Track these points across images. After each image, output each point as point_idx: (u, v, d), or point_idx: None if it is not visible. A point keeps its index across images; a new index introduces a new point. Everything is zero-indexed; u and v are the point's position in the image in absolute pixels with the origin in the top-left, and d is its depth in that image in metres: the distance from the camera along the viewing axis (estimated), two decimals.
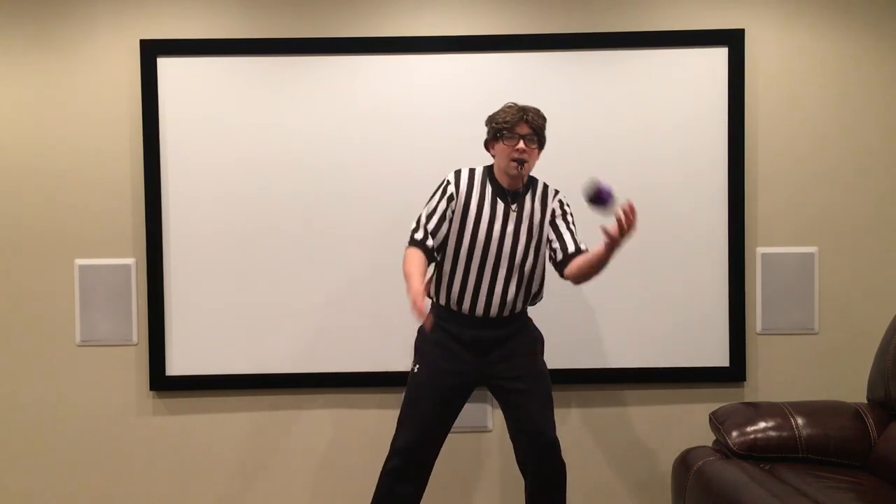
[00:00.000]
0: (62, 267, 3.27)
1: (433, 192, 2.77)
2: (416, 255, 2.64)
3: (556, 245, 2.71)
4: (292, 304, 3.27)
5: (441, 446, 2.77)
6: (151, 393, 3.30)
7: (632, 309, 3.28)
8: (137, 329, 3.28)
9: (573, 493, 3.33)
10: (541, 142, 2.71)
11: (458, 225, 2.69)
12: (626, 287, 3.27)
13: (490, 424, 3.32)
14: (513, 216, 2.69)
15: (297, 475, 3.32)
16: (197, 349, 3.26)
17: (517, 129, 2.64)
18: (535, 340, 2.83)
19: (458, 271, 2.70)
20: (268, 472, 3.32)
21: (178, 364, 3.27)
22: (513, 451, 3.29)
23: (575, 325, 3.27)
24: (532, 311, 3.27)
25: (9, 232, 3.28)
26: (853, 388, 3.12)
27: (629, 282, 3.27)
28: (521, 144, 2.63)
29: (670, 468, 2.90)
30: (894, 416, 2.76)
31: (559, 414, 3.32)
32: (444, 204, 2.70)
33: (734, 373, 3.28)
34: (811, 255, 3.30)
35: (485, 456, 3.33)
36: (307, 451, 3.32)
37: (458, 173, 2.75)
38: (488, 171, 2.76)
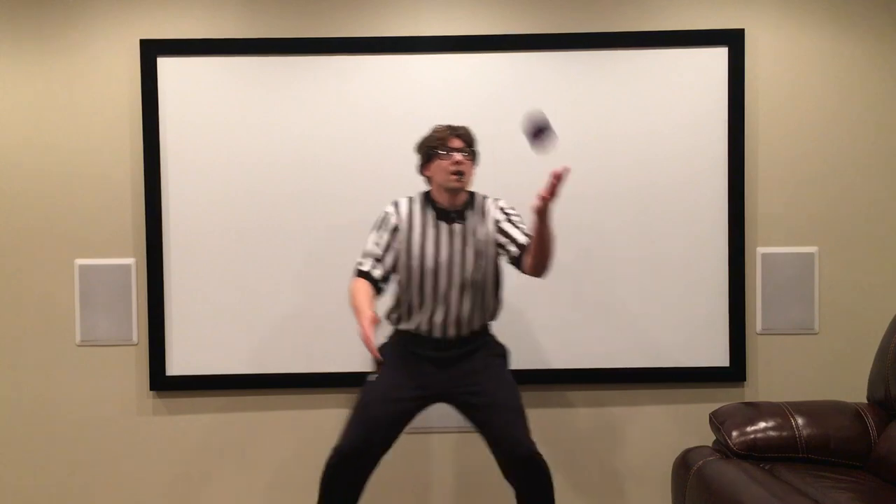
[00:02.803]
0: (62, 267, 3.28)
1: (374, 225, 2.76)
2: (363, 286, 2.64)
3: (509, 247, 2.71)
4: (292, 303, 3.27)
5: (383, 454, 2.71)
6: (151, 393, 3.30)
7: (632, 309, 3.28)
8: (137, 329, 3.28)
9: (573, 492, 3.33)
10: (474, 156, 2.74)
11: (405, 254, 2.70)
12: (626, 287, 3.28)
13: None
14: (458, 236, 2.70)
15: (297, 475, 3.32)
16: (197, 349, 3.26)
17: (450, 143, 2.68)
18: (497, 354, 2.82)
19: (413, 297, 2.71)
20: (268, 472, 3.32)
21: (178, 364, 3.27)
22: None
23: (575, 325, 3.27)
24: (532, 311, 3.28)
25: (9, 232, 3.28)
26: (853, 388, 3.12)
27: (629, 282, 3.27)
28: (458, 156, 2.66)
29: (670, 468, 2.90)
30: (894, 416, 2.76)
31: (559, 414, 3.33)
32: (387, 236, 2.72)
33: (734, 373, 3.29)
34: (811, 255, 3.30)
35: (485, 456, 3.32)
36: (307, 450, 3.31)
37: (396, 203, 2.76)
38: (425, 196, 2.77)
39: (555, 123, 3.23)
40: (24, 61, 3.26)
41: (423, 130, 3.22)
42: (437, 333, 2.70)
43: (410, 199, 2.78)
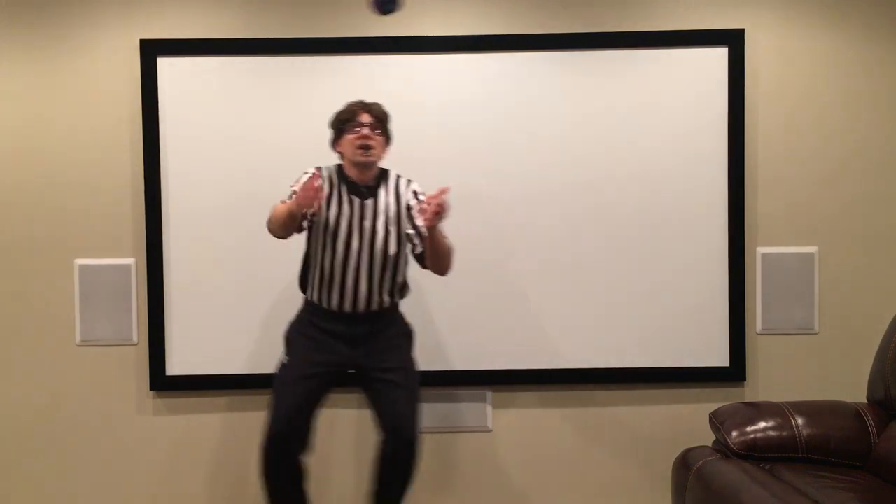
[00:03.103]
0: (62, 267, 3.27)
1: (300, 180, 2.72)
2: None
3: (415, 240, 2.75)
4: (292, 303, 3.26)
5: (311, 426, 2.76)
6: (151, 393, 3.30)
7: (632, 309, 3.27)
8: (137, 329, 3.28)
9: (573, 492, 3.33)
10: (385, 132, 2.77)
11: (320, 225, 2.73)
12: (627, 287, 3.27)
13: (490, 424, 3.32)
14: (369, 211, 2.73)
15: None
16: (197, 349, 3.26)
17: (359, 117, 2.72)
18: (405, 335, 2.88)
19: (324, 269, 2.74)
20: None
21: (178, 364, 3.27)
22: (510, 450, 3.30)
23: (575, 325, 3.27)
24: (532, 311, 3.28)
25: (9, 232, 3.28)
26: (853, 388, 3.11)
27: (629, 281, 3.27)
28: (366, 130, 2.70)
29: (670, 468, 2.90)
30: (894, 416, 2.76)
31: (560, 414, 3.34)
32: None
33: (734, 373, 3.28)
34: (811, 255, 3.30)
35: (485, 456, 3.33)
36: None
37: (318, 168, 2.77)
38: (338, 168, 2.80)
39: (555, 123, 3.25)
40: (24, 61, 3.26)
41: (423, 130, 3.24)
42: (346, 308, 2.74)
43: (329, 169, 2.80)
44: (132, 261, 3.27)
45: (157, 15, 3.26)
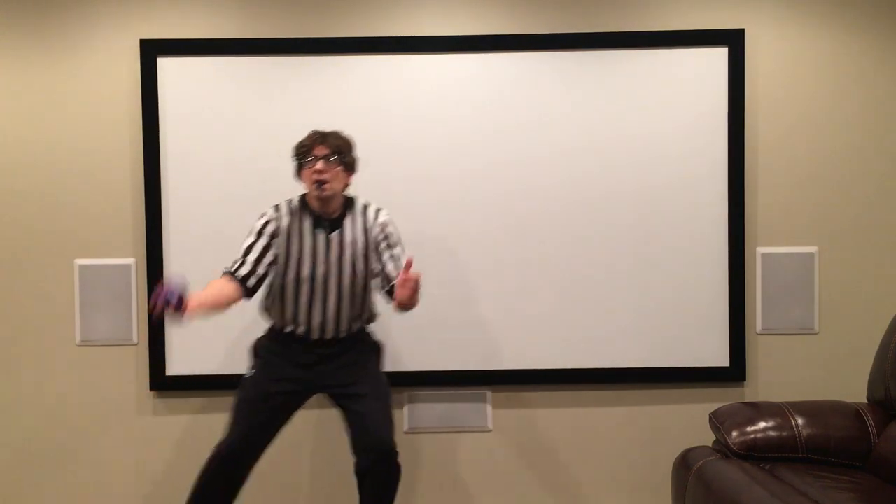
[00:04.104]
0: (62, 267, 3.27)
1: (255, 228, 2.73)
2: (220, 282, 2.63)
3: (381, 279, 2.71)
4: None
5: (264, 449, 2.74)
6: (151, 393, 3.30)
7: (632, 309, 3.28)
8: (137, 329, 3.28)
9: (573, 492, 3.33)
10: (346, 163, 2.70)
11: (283, 258, 2.70)
12: (627, 287, 3.27)
13: (490, 424, 3.32)
14: (334, 245, 2.69)
15: (296, 474, 3.32)
16: (197, 349, 3.26)
17: (314, 151, 2.66)
18: (371, 349, 2.84)
19: (287, 301, 2.71)
20: (267, 472, 3.32)
21: (178, 364, 3.27)
22: (510, 450, 3.30)
23: (575, 325, 3.27)
24: (533, 311, 3.28)
25: (9, 232, 3.28)
26: (853, 388, 3.11)
27: (629, 282, 3.27)
28: (320, 164, 2.63)
29: (670, 468, 2.90)
30: (894, 416, 2.76)
31: (560, 414, 3.33)
32: (265, 241, 2.70)
33: (734, 373, 3.28)
34: (811, 255, 3.30)
35: (485, 456, 3.33)
36: (306, 450, 3.31)
37: (277, 207, 2.75)
38: (302, 200, 2.76)
39: (554, 123, 3.25)
40: (24, 61, 3.26)
41: (423, 130, 3.24)
42: (313, 336, 2.72)
43: (289, 203, 2.76)
44: (132, 261, 3.27)
45: (157, 15, 3.26)
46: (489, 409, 3.31)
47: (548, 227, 3.26)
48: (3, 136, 3.27)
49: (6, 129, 3.27)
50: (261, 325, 3.25)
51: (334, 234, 2.70)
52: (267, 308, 2.81)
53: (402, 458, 2.71)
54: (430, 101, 3.25)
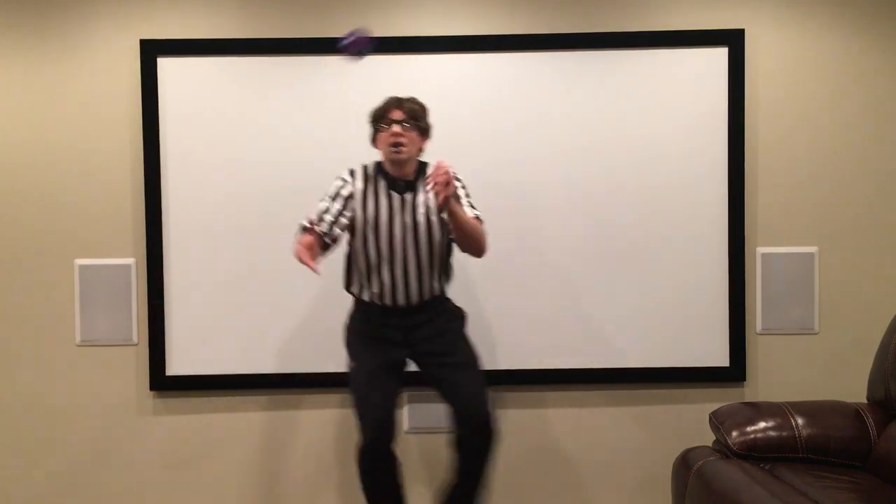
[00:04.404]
0: (62, 267, 3.27)
1: (330, 191, 2.76)
2: (307, 238, 2.63)
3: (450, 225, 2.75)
4: (292, 303, 3.27)
5: (395, 419, 2.79)
6: (151, 393, 3.30)
7: (632, 309, 3.28)
8: (137, 329, 3.28)
9: (573, 492, 3.33)
10: (421, 127, 2.76)
11: (360, 223, 2.74)
12: (627, 287, 3.27)
13: None
14: (408, 206, 2.74)
15: (297, 474, 3.32)
16: (197, 349, 3.26)
17: (391, 115, 2.71)
18: (457, 318, 2.90)
19: (371, 267, 2.76)
20: (267, 472, 3.32)
21: (178, 364, 3.27)
22: (510, 449, 3.30)
23: (575, 325, 3.27)
24: (533, 311, 3.28)
25: (9, 232, 3.28)
26: (853, 388, 3.11)
27: (629, 282, 3.27)
28: (397, 128, 2.68)
29: (670, 468, 2.90)
30: (894, 416, 2.76)
31: (560, 413, 3.34)
32: (340, 203, 2.73)
33: (734, 373, 3.28)
34: (811, 255, 3.30)
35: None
36: (307, 450, 3.31)
37: (351, 172, 2.80)
38: (378, 165, 2.81)
39: (554, 123, 3.25)
40: (24, 61, 3.26)
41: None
42: (399, 301, 2.76)
43: (365, 168, 2.81)
44: (132, 261, 3.27)
45: (157, 15, 3.26)
46: None
47: (548, 226, 3.26)
48: (3, 136, 3.27)
49: (6, 129, 3.27)
50: (261, 325, 3.26)
51: (408, 195, 2.75)
52: (349, 281, 2.86)
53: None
54: (431, 101, 3.22)
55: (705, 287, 3.28)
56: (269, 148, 3.25)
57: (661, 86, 3.25)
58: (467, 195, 2.78)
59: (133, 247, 3.27)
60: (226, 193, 3.25)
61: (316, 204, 2.75)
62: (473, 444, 2.75)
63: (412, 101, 2.76)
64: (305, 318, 3.27)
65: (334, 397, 3.30)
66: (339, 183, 2.78)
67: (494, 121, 3.24)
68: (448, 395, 2.78)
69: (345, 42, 2.53)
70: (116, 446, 3.31)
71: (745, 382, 3.30)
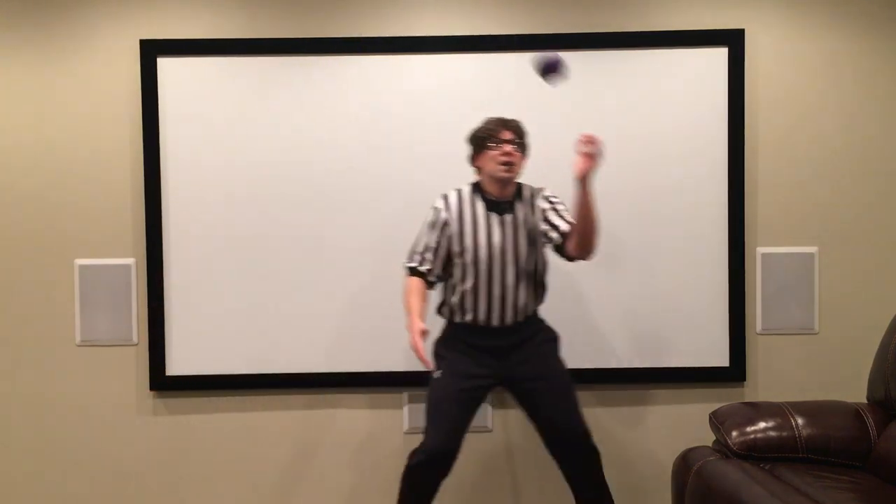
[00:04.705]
0: (62, 267, 3.27)
1: (428, 221, 2.82)
2: (416, 285, 2.76)
3: (551, 234, 2.77)
4: (292, 304, 3.27)
5: (461, 446, 2.79)
6: (151, 393, 3.30)
7: (632, 309, 3.28)
8: (137, 329, 3.28)
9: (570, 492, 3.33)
10: (524, 149, 2.79)
11: (458, 247, 2.76)
12: (627, 287, 3.27)
13: (490, 424, 3.32)
14: (509, 227, 2.76)
15: (299, 475, 3.32)
16: (197, 349, 3.26)
17: (501, 135, 2.74)
18: (551, 340, 2.90)
19: (468, 290, 2.76)
20: (268, 472, 3.32)
21: (178, 364, 3.27)
22: (510, 450, 3.30)
23: (575, 325, 3.27)
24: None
25: (9, 232, 3.28)
26: (853, 388, 3.11)
27: (629, 282, 3.27)
28: (509, 147, 2.73)
29: (670, 468, 2.90)
30: (894, 416, 2.76)
31: None
32: (437, 233, 2.78)
33: (734, 373, 3.29)
34: (811, 255, 3.30)
35: (485, 456, 3.33)
36: (308, 450, 3.31)
37: (445, 197, 2.82)
38: (475, 187, 2.83)
39: (554, 123, 3.25)
40: (24, 61, 3.26)
41: (424, 131, 3.24)
42: (493, 322, 2.77)
43: (459, 192, 2.83)
44: (132, 261, 3.27)
45: (157, 15, 3.26)
46: (489, 409, 3.31)
47: None
48: (3, 136, 3.27)
49: (6, 129, 3.27)
50: (260, 326, 3.26)
51: (507, 216, 2.77)
52: (443, 302, 2.86)
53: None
54: (431, 101, 3.25)
55: (705, 287, 3.28)
56: (269, 148, 3.25)
57: (661, 86, 3.25)
58: (566, 209, 2.80)
59: (133, 247, 3.27)
60: (226, 193, 3.25)
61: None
62: (579, 463, 2.81)
63: (515, 122, 2.79)
64: (306, 318, 3.27)
65: (335, 397, 3.30)
66: (434, 213, 2.80)
67: None
68: (541, 422, 2.81)
69: (546, 67, 2.59)
70: (116, 446, 3.31)
71: (745, 382, 3.31)
